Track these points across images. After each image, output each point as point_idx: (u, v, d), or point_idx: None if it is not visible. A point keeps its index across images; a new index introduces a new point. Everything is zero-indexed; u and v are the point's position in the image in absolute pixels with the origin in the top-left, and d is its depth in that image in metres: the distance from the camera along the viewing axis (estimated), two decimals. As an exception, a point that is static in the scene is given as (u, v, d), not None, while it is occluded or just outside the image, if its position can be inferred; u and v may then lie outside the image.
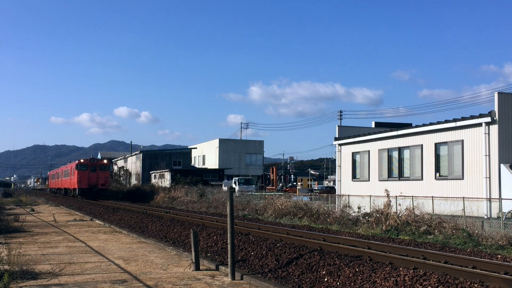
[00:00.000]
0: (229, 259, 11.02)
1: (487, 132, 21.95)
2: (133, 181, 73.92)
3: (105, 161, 54.80)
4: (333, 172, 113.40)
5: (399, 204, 21.21)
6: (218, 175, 66.82)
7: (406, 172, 26.63)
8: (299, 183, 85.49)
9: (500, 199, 19.85)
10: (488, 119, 21.75)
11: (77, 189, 50.96)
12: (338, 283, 9.52)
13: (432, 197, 22.07)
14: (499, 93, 22.44)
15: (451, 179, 23.68)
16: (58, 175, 72.09)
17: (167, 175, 61.27)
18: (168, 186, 54.59)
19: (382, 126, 33.76)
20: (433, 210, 21.18)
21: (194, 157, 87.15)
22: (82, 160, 52.59)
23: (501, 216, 18.40)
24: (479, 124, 22.30)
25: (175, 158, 76.21)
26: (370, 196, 24.35)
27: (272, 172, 75.81)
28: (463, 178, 23.03)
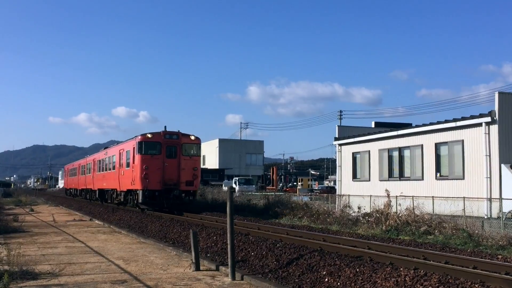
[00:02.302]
0: (229, 260, 10.99)
1: (487, 132, 21.93)
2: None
3: (192, 137, 26.91)
4: (333, 172, 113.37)
5: (399, 204, 21.19)
6: (218, 175, 66.80)
7: (407, 172, 26.61)
8: (299, 183, 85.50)
9: (500, 199, 19.83)
10: (489, 119, 21.73)
11: (139, 193, 25.76)
12: (338, 284, 9.49)
13: (433, 197, 22.05)
14: (499, 93, 22.43)
15: (452, 179, 23.65)
16: (84, 168, 45.53)
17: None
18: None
19: (382, 126, 33.75)
20: (433, 210, 21.16)
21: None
22: (149, 135, 26.12)
23: (501, 216, 18.37)
24: (480, 124, 22.27)
25: (175, 158, 75.96)
26: (371, 196, 24.32)
27: (273, 172, 75.84)
28: (463, 178, 23.00)
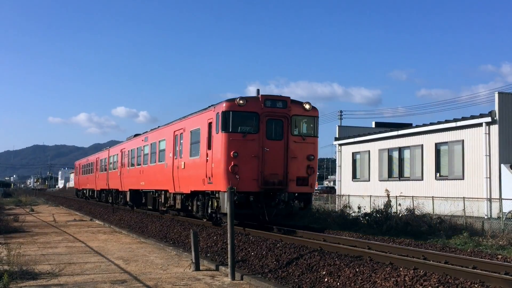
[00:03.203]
0: (229, 260, 11.00)
1: (487, 132, 21.95)
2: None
3: (306, 105, 16.98)
4: (333, 172, 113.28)
5: (399, 204, 21.19)
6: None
7: (407, 172, 26.61)
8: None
9: (500, 199, 19.84)
10: (489, 119, 21.74)
11: (223, 197, 15.65)
12: (338, 283, 9.50)
13: (433, 197, 22.06)
14: (499, 93, 22.46)
15: (452, 179, 23.66)
16: (105, 163, 36.47)
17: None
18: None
19: (383, 126, 33.78)
20: (433, 210, 21.16)
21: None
22: (241, 101, 16.06)
23: (501, 216, 18.38)
24: (480, 124, 22.29)
25: (175, 158, 75.56)
26: (370, 196, 24.32)
27: (272, 172, 75.52)
28: (463, 178, 23.01)
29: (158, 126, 25.08)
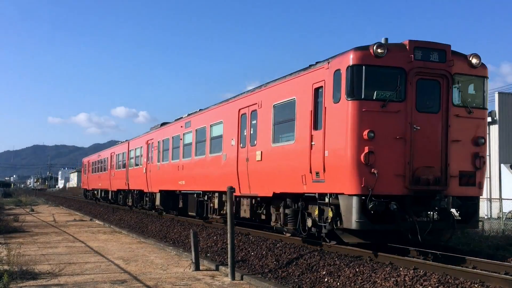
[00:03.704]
0: (229, 259, 11.00)
1: (487, 132, 21.96)
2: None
3: (473, 59, 11.17)
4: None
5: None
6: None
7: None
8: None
9: (500, 199, 19.86)
10: (489, 119, 21.75)
11: (352, 203, 10.09)
12: (338, 283, 9.50)
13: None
14: (499, 93, 22.49)
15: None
16: (124, 158, 31.48)
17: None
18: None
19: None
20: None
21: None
22: (379, 49, 10.17)
23: (501, 216, 18.39)
24: (479, 124, 22.29)
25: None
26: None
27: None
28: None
29: (206, 108, 19.26)
